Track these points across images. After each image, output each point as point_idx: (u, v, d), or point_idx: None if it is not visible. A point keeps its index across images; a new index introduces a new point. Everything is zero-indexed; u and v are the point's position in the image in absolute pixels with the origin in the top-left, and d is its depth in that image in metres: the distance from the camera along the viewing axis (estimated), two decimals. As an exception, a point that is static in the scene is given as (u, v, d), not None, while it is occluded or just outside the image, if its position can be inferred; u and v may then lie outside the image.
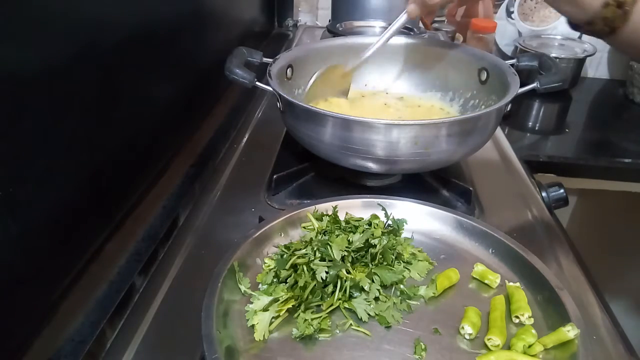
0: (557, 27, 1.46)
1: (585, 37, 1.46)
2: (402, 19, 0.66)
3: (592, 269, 0.57)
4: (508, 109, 0.61)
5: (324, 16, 1.52)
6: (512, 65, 0.67)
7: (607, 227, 1.43)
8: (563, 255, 0.57)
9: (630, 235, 1.39)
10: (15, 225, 0.38)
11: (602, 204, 1.41)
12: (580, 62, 1.40)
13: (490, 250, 0.53)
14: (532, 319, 0.45)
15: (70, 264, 0.46)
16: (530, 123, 1.26)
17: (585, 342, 0.41)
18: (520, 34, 1.49)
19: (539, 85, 0.62)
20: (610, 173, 1.09)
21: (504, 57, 1.11)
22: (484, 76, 0.71)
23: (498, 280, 0.49)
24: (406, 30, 1.08)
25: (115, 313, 0.49)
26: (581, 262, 0.57)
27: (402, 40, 0.81)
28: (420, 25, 1.21)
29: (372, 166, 0.58)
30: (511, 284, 0.48)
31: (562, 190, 0.72)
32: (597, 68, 1.51)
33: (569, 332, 0.41)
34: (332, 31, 1.07)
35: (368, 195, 0.58)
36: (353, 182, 0.67)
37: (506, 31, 1.51)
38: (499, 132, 0.86)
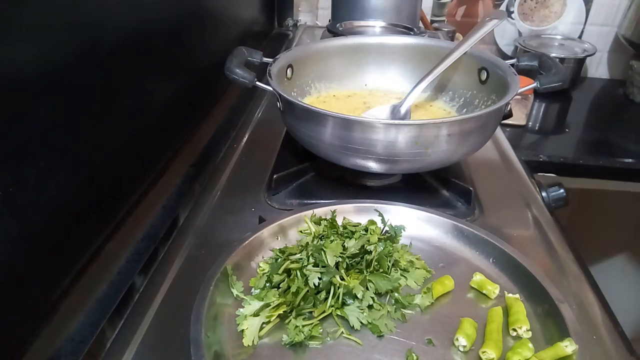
0: (557, 27, 1.46)
1: (585, 37, 1.46)
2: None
3: (592, 269, 0.57)
4: (508, 109, 0.61)
5: (324, 16, 1.52)
6: (512, 65, 0.67)
7: (607, 227, 1.43)
8: (563, 255, 0.57)
9: (630, 235, 1.39)
10: (15, 225, 0.38)
11: (602, 204, 1.41)
12: (580, 62, 1.40)
13: (490, 260, 0.52)
14: (530, 332, 0.43)
15: (70, 264, 0.46)
16: (530, 123, 1.26)
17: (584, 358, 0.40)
18: (520, 33, 1.49)
19: (539, 85, 0.62)
20: (610, 173, 1.09)
21: (504, 57, 1.11)
22: (484, 76, 0.71)
23: (497, 291, 0.48)
24: (406, 30, 1.09)
25: (115, 313, 0.49)
26: (581, 262, 0.57)
27: (402, 40, 0.81)
28: (421, 25, 1.21)
29: (372, 166, 0.58)
30: (510, 295, 0.47)
31: (562, 190, 0.72)
32: (597, 68, 1.51)
33: (567, 347, 0.40)
34: (332, 31, 1.07)
35: (367, 200, 0.57)
36: (353, 182, 0.67)
37: (506, 31, 1.51)
38: (499, 132, 0.86)
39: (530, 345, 0.42)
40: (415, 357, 0.41)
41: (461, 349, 0.43)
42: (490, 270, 0.51)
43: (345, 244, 0.49)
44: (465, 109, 0.74)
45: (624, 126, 1.27)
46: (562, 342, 0.41)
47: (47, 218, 0.42)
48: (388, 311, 0.46)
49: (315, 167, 0.69)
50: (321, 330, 0.44)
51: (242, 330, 0.43)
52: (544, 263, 0.55)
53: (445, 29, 1.36)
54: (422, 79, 0.69)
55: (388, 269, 0.49)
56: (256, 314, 0.44)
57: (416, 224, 0.55)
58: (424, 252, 0.53)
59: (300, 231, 0.54)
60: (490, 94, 0.70)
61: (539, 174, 1.06)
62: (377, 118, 0.68)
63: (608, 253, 1.45)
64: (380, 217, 0.53)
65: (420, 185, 0.67)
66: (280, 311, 0.44)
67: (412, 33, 1.06)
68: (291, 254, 0.48)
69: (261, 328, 0.43)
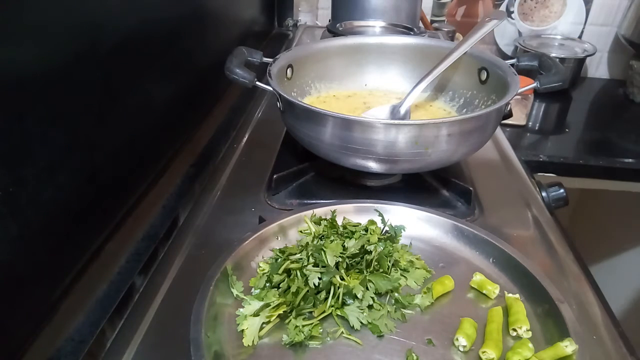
0: (557, 27, 1.46)
1: (585, 37, 1.46)
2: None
3: (592, 269, 0.58)
4: (508, 109, 0.61)
5: (324, 16, 1.52)
6: (512, 65, 0.67)
7: (607, 227, 1.43)
8: (563, 255, 0.57)
9: (630, 235, 1.39)
10: (15, 225, 0.38)
11: (602, 204, 1.41)
12: (580, 62, 1.40)
13: (490, 260, 0.52)
14: (530, 333, 0.43)
15: (70, 264, 0.46)
16: (530, 123, 1.26)
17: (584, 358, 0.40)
18: (520, 33, 1.49)
19: (539, 85, 0.62)
20: (610, 173, 1.09)
21: (504, 57, 1.11)
22: (484, 76, 0.71)
23: (497, 291, 0.48)
24: (406, 30, 1.09)
25: (115, 313, 0.49)
26: (581, 262, 0.57)
27: (402, 40, 0.81)
28: (421, 25, 1.21)
29: (372, 166, 0.58)
30: (510, 295, 0.47)
31: (562, 190, 0.72)
32: (597, 68, 1.51)
33: (567, 347, 0.40)
34: (332, 31, 1.07)
35: (367, 200, 0.57)
36: (353, 182, 0.67)
37: (506, 31, 1.51)
38: (499, 132, 0.86)
39: (530, 345, 0.42)
40: (415, 357, 0.41)
41: (461, 349, 0.43)
42: (490, 270, 0.51)
43: (345, 244, 0.49)
44: (465, 109, 0.74)
45: (624, 126, 1.27)
46: (562, 342, 0.41)
47: (47, 218, 0.42)
48: (388, 311, 0.46)
49: (315, 167, 0.69)
50: (321, 330, 0.44)
51: (242, 330, 0.43)
52: (544, 263, 0.55)
53: (445, 29, 1.36)
54: (422, 79, 0.69)
55: (388, 269, 0.49)
56: (256, 314, 0.44)
57: (416, 224, 0.55)
58: (424, 252, 0.53)
59: (300, 231, 0.54)
60: (490, 94, 0.70)
61: (539, 174, 1.06)
62: (377, 118, 0.68)
63: (608, 253, 1.45)
64: (380, 217, 0.53)
65: (420, 185, 0.67)
66: (280, 311, 0.44)
67: (412, 33, 1.06)
68: (291, 254, 0.48)
69: (261, 328, 0.43)
